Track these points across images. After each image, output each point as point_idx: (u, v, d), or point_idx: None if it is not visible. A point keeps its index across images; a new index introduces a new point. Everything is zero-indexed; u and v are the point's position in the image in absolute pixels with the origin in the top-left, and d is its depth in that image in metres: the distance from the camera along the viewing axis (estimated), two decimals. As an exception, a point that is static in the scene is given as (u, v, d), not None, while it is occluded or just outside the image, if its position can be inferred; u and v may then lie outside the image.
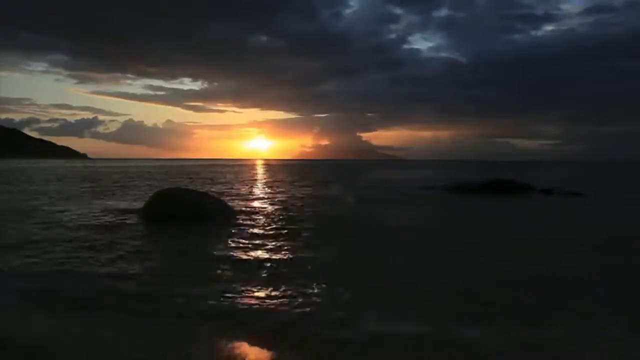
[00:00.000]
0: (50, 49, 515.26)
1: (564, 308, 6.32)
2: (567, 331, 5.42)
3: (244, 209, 17.76)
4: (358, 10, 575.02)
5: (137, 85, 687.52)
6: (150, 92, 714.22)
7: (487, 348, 4.93)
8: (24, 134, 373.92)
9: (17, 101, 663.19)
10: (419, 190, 28.53)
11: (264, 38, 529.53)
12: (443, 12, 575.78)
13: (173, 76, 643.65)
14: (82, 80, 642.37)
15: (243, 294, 6.82)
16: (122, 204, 18.76)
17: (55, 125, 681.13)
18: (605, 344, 5.13)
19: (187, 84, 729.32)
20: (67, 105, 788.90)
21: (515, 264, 8.96)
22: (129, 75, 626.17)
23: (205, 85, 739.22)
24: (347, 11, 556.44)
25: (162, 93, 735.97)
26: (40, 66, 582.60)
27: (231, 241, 11.08)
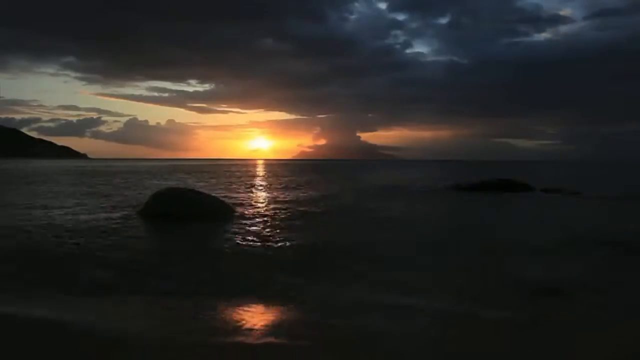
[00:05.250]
0: (60, 52, 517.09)
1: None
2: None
3: (243, 208, 17.73)
4: (364, 15, 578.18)
5: (144, 86, 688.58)
6: (156, 94, 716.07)
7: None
8: (23, 133, 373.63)
9: (25, 103, 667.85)
10: (419, 190, 28.51)
11: (270, 41, 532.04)
12: (447, 18, 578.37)
13: (180, 78, 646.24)
14: (90, 82, 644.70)
15: (239, 292, 6.80)
16: (122, 204, 18.71)
17: (56, 125, 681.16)
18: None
19: (194, 86, 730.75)
20: (74, 106, 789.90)
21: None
22: (137, 77, 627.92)
23: (213, 86, 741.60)
24: (353, 16, 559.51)
25: (167, 95, 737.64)
26: (50, 68, 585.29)
27: (230, 240, 11.04)
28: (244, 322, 5.50)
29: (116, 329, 5.20)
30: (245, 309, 6.04)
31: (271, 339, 4.93)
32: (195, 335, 5.01)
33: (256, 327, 5.33)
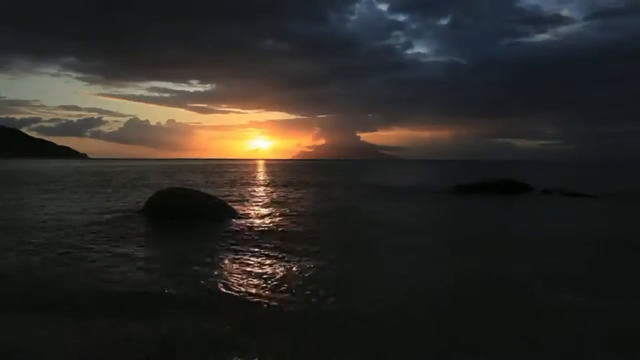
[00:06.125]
0: (62, 53, 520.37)
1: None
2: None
3: (245, 208, 17.67)
4: (365, 16, 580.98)
5: (145, 87, 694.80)
6: (157, 94, 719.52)
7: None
8: (23, 133, 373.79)
9: (27, 103, 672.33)
10: (418, 190, 28.46)
11: (271, 41, 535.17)
12: (447, 19, 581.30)
13: (181, 78, 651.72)
14: (91, 82, 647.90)
15: (238, 294, 6.76)
16: (121, 204, 18.66)
17: (56, 125, 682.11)
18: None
19: (195, 86, 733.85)
20: (75, 106, 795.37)
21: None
22: (138, 78, 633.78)
23: (213, 87, 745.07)
24: (354, 17, 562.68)
25: (167, 95, 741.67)
26: (51, 69, 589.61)
27: (231, 241, 10.99)
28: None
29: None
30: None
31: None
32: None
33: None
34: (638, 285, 7.67)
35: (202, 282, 7.39)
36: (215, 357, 4.65)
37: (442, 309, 6.28)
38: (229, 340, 5.06)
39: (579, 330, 5.49)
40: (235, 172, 63.28)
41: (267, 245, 10.49)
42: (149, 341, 5.00)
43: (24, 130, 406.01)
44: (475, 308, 6.29)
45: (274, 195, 24.49)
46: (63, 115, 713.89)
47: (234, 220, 14.37)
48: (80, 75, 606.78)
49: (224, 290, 6.89)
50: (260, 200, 21.97)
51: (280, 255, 9.39)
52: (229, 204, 17.37)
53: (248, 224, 13.59)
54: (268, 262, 8.87)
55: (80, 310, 6.00)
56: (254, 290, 6.92)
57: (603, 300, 6.58)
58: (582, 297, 6.73)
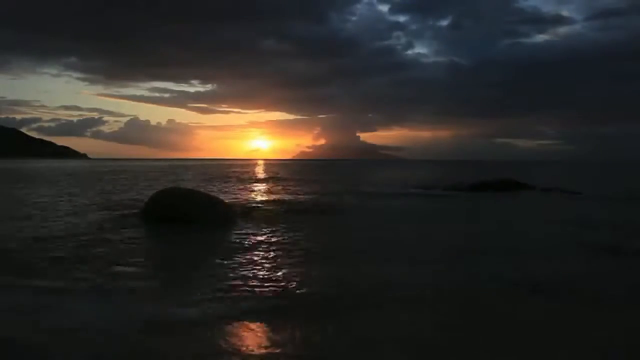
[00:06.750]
0: (63, 53, 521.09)
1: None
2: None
3: (247, 211, 17.38)
4: (365, 17, 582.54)
5: (145, 87, 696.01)
6: (157, 94, 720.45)
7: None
8: (23, 133, 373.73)
9: (27, 103, 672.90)
10: (419, 190, 28.44)
11: (272, 42, 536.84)
12: (448, 20, 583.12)
13: (182, 78, 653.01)
14: (92, 83, 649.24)
15: (239, 298, 6.73)
16: (120, 205, 18.59)
17: (56, 124, 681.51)
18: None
19: (196, 86, 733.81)
20: (75, 106, 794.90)
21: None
22: (139, 78, 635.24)
23: (214, 87, 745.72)
24: (354, 18, 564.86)
25: (168, 95, 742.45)
26: (52, 69, 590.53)
27: (232, 243, 10.93)
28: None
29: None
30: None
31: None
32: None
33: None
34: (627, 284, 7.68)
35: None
36: None
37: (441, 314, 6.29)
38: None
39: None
40: (236, 172, 63.14)
41: (268, 250, 10.22)
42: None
43: (24, 130, 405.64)
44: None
45: (277, 197, 24.32)
46: (64, 115, 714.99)
47: (235, 221, 14.21)
48: (81, 75, 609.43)
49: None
50: (263, 202, 21.69)
51: (278, 262, 9.22)
52: (232, 205, 17.26)
53: (249, 227, 13.36)
54: (279, 271, 8.70)
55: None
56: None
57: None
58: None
